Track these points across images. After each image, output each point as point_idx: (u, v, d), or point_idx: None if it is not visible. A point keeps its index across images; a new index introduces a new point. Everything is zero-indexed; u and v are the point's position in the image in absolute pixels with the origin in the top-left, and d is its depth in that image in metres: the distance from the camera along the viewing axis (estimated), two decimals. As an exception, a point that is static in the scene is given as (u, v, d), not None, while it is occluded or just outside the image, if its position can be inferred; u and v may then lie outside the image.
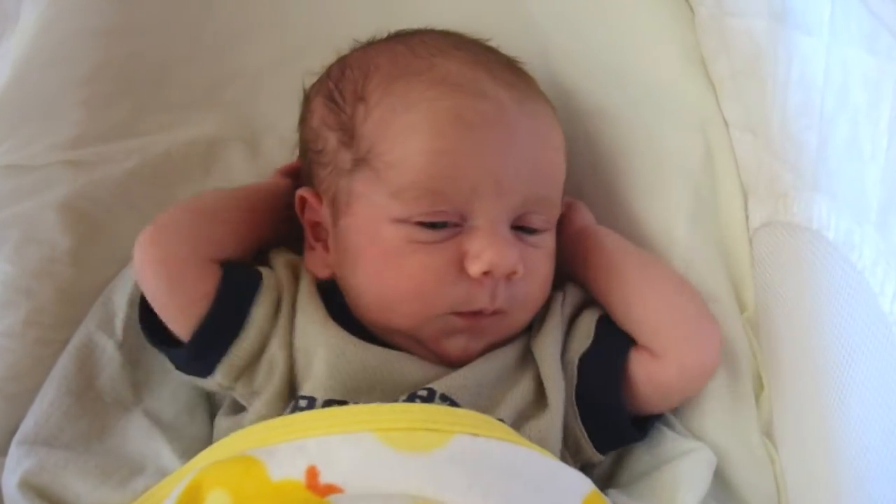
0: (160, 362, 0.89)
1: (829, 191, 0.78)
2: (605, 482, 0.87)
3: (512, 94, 0.85)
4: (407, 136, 0.80)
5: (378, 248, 0.81)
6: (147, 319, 0.85)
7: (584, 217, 0.95)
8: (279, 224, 0.92)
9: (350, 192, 0.82)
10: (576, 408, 0.83)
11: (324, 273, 0.87)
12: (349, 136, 0.83)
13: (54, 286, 0.89)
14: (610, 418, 0.83)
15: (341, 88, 0.87)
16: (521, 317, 0.86)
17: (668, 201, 0.94)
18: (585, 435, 0.83)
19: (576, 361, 0.84)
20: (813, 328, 0.79)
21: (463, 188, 0.80)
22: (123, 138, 0.97)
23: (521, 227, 0.84)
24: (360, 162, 0.82)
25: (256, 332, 0.83)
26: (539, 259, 0.85)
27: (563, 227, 0.91)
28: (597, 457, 0.85)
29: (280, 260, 0.90)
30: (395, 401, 0.76)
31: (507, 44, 0.93)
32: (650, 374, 0.83)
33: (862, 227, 0.73)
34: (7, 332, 0.86)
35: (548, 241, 0.87)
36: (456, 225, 0.81)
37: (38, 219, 0.90)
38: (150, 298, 0.84)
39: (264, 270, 0.87)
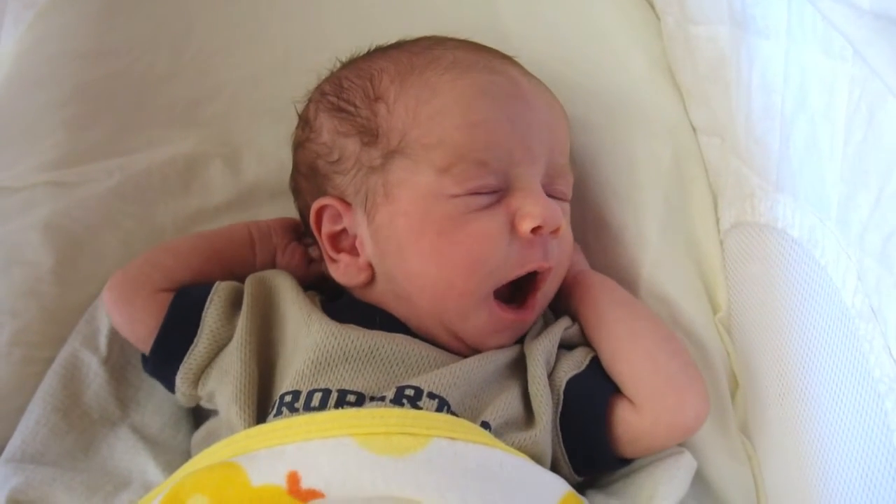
0: (145, 377, 0.90)
1: (792, 190, 0.80)
2: (584, 484, 0.87)
3: (517, 69, 0.89)
4: (441, 117, 0.83)
5: (433, 225, 0.82)
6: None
7: (578, 262, 0.96)
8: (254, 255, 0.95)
9: (387, 184, 0.83)
10: (559, 430, 0.82)
11: (359, 278, 0.87)
12: (372, 135, 0.85)
13: (39, 305, 0.89)
14: (591, 445, 0.83)
15: (347, 98, 0.88)
16: (557, 281, 0.88)
17: (639, 207, 0.97)
18: (566, 457, 0.83)
19: (563, 383, 0.84)
20: (780, 325, 0.81)
21: (502, 155, 0.83)
22: (104, 158, 0.98)
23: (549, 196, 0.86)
24: (393, 154, 0.83)
25: (209, 336, 0.84)
26: (566, 225, 0.88)
27: None
28: (574, 478, 0.84)
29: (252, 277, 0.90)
30: (384, 395, 0.76)
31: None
32: (628, 422, 0.82)
33: (823, 224, 0.75)
34: (-8, 353, 0.87)
35: (569, 210, 0.91)
36: (500, 191, 0.83)
37: (21, 239, 0.91)
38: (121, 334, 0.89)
39: (220, 282, 0.88)
